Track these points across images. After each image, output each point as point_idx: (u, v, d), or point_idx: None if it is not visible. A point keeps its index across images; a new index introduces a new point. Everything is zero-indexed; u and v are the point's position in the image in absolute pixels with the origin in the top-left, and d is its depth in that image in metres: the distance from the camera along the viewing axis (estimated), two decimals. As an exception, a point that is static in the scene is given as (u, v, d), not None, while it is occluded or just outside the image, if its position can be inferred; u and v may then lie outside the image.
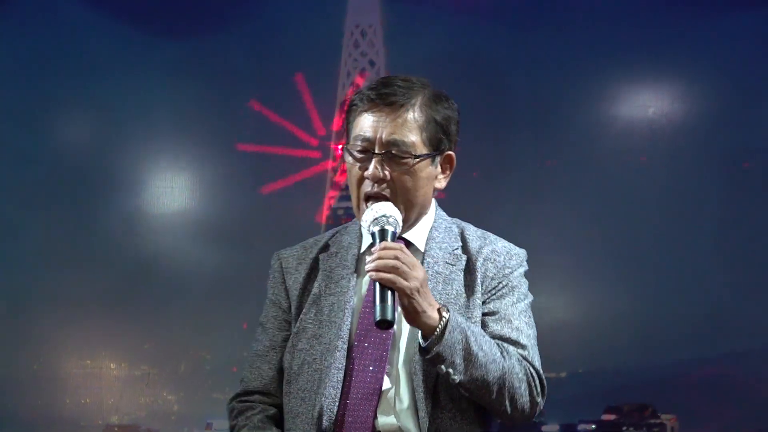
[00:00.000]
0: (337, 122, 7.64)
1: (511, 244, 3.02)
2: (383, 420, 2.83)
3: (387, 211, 2.82)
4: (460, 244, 2.97)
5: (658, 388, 7.37)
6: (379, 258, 2.69)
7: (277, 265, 3.03)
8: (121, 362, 7.73)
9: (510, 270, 2.95)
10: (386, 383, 2.84)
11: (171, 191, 7.70)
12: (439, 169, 2.94)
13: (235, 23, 7.75)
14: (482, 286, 2.91)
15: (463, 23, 7.59)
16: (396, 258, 2.69)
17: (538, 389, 2.84)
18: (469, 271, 2.92)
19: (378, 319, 2.67)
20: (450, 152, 2.96)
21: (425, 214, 2.97)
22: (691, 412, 7.29)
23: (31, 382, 7.62)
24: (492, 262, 2.93)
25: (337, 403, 2.83)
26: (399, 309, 2.74)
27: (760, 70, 7.34)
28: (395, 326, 2.79)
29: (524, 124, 7.53)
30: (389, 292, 2.68)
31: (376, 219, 2.81)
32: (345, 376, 2.85)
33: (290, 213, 7.60)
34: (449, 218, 3.04)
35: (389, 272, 2.68)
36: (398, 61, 7.72)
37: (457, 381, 2.74)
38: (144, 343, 7.73)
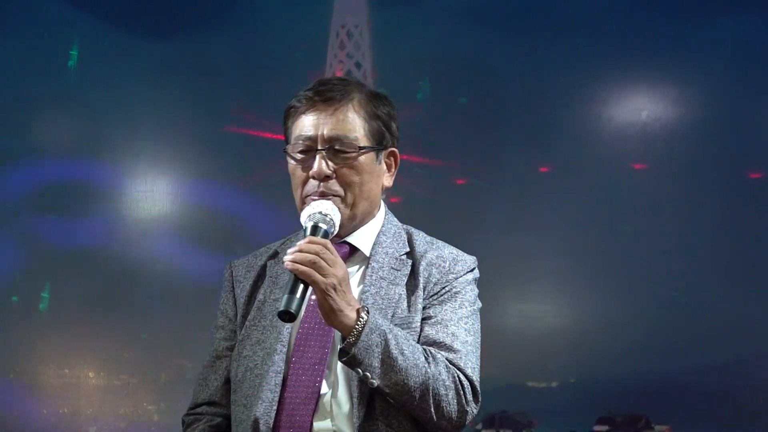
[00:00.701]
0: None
1: (461, 251, 3.01)
2: (319, 425, 2.83)
3: (325, 209, 2.83)
4: (407, 249, 2.98)
5: (651, 398, 7.27)
6: (299, 251, 2.67)
7: (228, 274, 3.08)
8: (100, 371, 7.61)
9: (454, 276, 2.94)
10: (324, 387, 2.83)
11: (152, 195, 7.61)
12: (384, 166, 2.98)
13: (220, 23, 7.68)
14: (424, 291, 2.91)
15: (453, 24, 7.48)
16: (316, 253, 2.67)
17: (469, 396, 2.81)
18: (413, 275, 2.92)
19: (281, 309, 2.64)
20: (394, 149, 3.00)
21: (373, 216, 3.00)
22: (686, 423, 7.22)
23: (6, 392, 7.52)
24: (436, 267, 2.93)
25: (274, 408, 2.83)
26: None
27: (759, 73, 7.29)
28: (335, 332, 2.82)
29: (515, 128, 7.42)
30: (301, 286, 2.66)
31: (311, 215, 2.82)
32: (284, 381, 2.85)
33: (276, 218, 7.42)
34: (399, 224, 3.06)
35: (306, 265, 2.65)
36: (386, 63, 7.61)
37: (375, 385, 2.72)
38: (124, 351, 7.59)
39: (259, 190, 7.55)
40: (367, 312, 2.73)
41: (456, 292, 2.94)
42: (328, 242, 2.75)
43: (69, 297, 7.54)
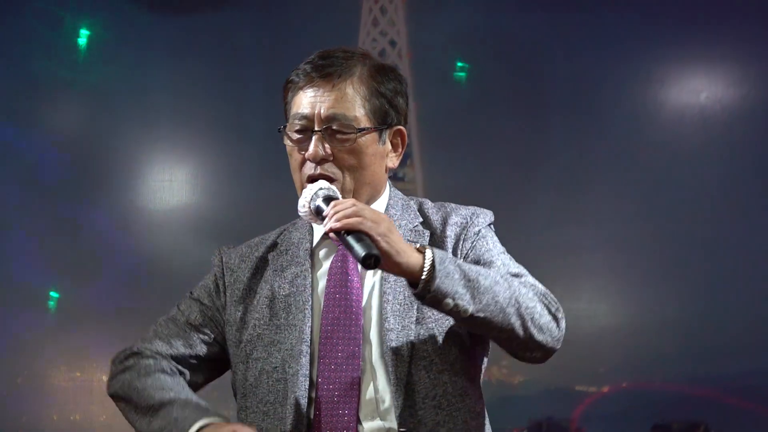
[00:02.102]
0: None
1: (476, 207, 2.97)
2: (369, 425, 2.75)
3: (321, 185, 2.77)
4: (420, 219, 2.94)
5: (711, 405, 7.12)
6: (336, 212, 2.62)
7: (218, 260, 2.99)
8: None
9: (478, 227, 2.91)
10: (365, 384, 2.77)
11: (170, 185, 7.58)
12: (389, 146, 2.90)
13: None
14: (455, 253, 2.87)
15: None
16: (354, 205, 2.63)
17: (555, 306, 2.77)
18: (436, 244, 2.86)
19: (363, 254, 2.56)
20: (400, 127, 2.91)
21: (378, 196, 2.94)
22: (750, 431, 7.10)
23: (15, 397, 7.42)
24: (459, 227, 2.90)
25: (304, 411, 2.75)
26: (365, 300, 2.77)
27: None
28: (363, 317, 2.78)
29: (562, 111, 7.34)
30: (362, 235, 2.60)
31: (315, 194, 2.76)
32: (314, 382, 2.78)
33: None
34: (405, 197, 3.02)
35: (352, 217, 2.60)
36: (422, 41, 7.54)
37: (469, 312, 2.64)
38: None
39: (283, 180, 7.24)
40: (425, 246, 2.65)
41: (484, 238, 2.90)
42: (353, 198, 2.73)
43: (81, 295, 7.46)
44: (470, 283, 2.64)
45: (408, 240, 2.84)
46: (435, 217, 2.93)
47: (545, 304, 2.73)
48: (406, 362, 2.74)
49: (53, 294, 7.47)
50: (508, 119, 7.20)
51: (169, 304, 7.78)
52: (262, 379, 2.81)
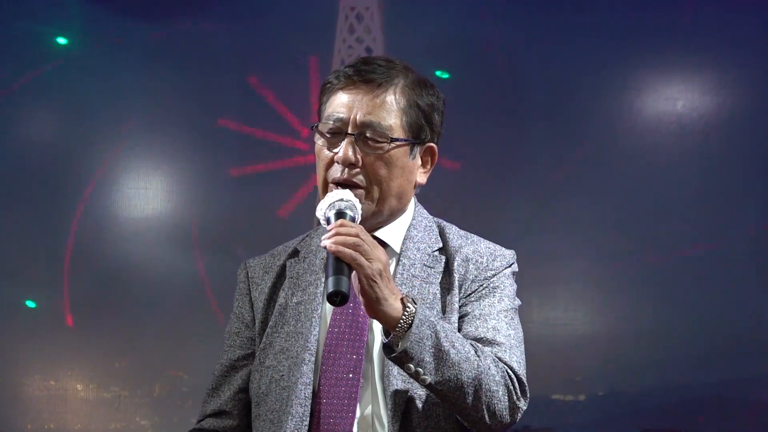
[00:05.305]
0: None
1: (498, 246, 2.93)
2: None
3: (344, 196, 2.73)
4: (440, 245, 2.90)
5: (688, 413, 7.10)
6: (338, 234, 2.60)
7: (243, 276, 2.98)
8: (88, 383, 7.51)
9: (493, 272, 2.86)
10: (364, 401, 2.77)
11: (145, 192, 7.50)
12: (419, 161, 2.88)
13: (216, 3, 7.56)
14: (460, 289, 2.84)
15: (472, 6, 7.38)
16: (357, 236, 2.59)
17: (518, 393, 2.72)
18: (448, 273, 2.86)
19: (331, 290, 2.54)
20: (432, 144, 2.89)
21: (403, 211, 2.91)
22: None
23: None
24: (473, 264, 2.86)
25: (306, 423, 2.75)
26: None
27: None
28: (368, 335, 2.77)
29: (538, 118, 7.29)
30: (346, 267, 2.57)
31: (332, 204, 2.72)
32: (315, 392, 2.78)
33: (280, 214, 7.35)
34: (430, 217, 2.97)
35: (349, 248, 2.58)
36: (398, 47, 7.45)
37: (428, 382, 2.63)
38: (114, 361, 7.54)
39: (258, 188, 7.40)
40: (413, 301, 2.63)
41: (495, 287, 2.84)
42: (362, 228, 2.65)
43: (55, 302, 7.41)
44: (440, 353, 2.61)
45: (424, 264, 2.84)
46: (454, 244, 2.89)
47: (510, 390, 2.70)
48: (405, 385, 2.73)
49: (28, 303, 7.43)
50: (485, 127, 7.15)
51: (143, 312, 7.74)
52: (271, 387, 2.81)
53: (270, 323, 2.87)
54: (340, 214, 2.68)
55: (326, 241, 2.58)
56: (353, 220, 2.70)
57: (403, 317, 2.59)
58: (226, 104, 7.47)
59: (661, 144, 7.14)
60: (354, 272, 2.59)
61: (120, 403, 7.44)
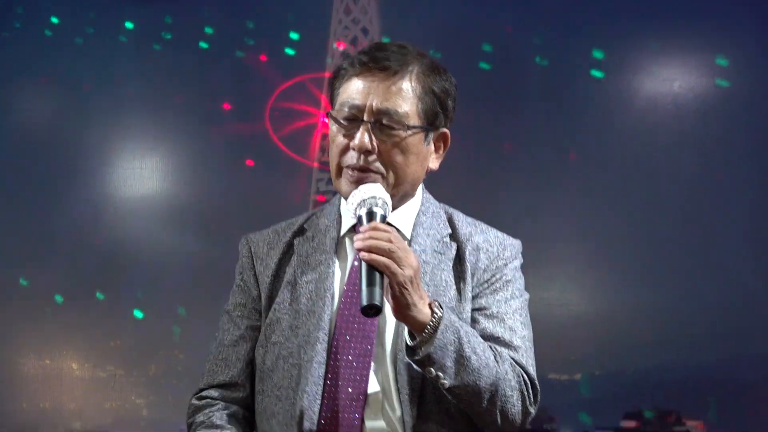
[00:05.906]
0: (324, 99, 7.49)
1: (506, 235, 2.96)
2: (372, 425, 2.76)
3: (376, 192, 2.72)
4: (449, 231, 2.90)
5: (683, 392, 7.11)
6: (371, 238, 2.60)
7: (246, 250, 2.95)
8: (84, 362, 7.56)
9: (504, 262, 2.88)
10: (373, 384, 2.77)
11: (140, 172, 7.54)
12: (432, 147, 2.88)
13: None
14: (473, 278, 2.85)
15: None
16: (390, 241, 2.60)
17: (531, 398, 2.79)
18: (459, 261, 2.86)
19: (365, 304, 2.54)
20: (445, 129, 2.89)
21: (412, 196, 2.91)
22: (721, 419, 7.04)
23: None
24: (484, 253, 2.87)
25: (318, 402, 2.75)
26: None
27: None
28: (379, 318, 2.74)
29: (536, 101, 7.26)
30: (378, 276, 2.58)
31: (363, 200, 2.72)
32: (326, 372, 2.77)
33: (275, 194, 7.41)
34: (437, 202, 2.98)
35: (383, 255, 2.58)
36: (395, 29, 7.47)
37: (447, 386, 2.68)
38: (110, 340, 7.58)
39: (252, 168, 7.45)
40: (440, 306, 2.66)
41: (507, 281, 2.87)
42: (394, 230, 2.64)
43: (49, 282, 7.43)
44: (461, 359, 2.65)
45: (434, 251, 2.85)
46: (464, 231, 2.89)
47: (525, 395, 2.76)
48: (416, 370, 2.74)
49: (22, 282, 7.45)
50: (482, 108, 7.08)
51: (138, 292, 7.78)
52: (278, 364, 2.80)
53: (277, 299, 2.87)
54: (370, 214, 2.68)
55: (360, 244, 2.59)
56: (384, 218, 2.69)
57: (431, 323, 2.62)
58: (221, 85, 7.46)
59: (657, 125, 7.13)
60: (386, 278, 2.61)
61: (115, 382, 7.49)
